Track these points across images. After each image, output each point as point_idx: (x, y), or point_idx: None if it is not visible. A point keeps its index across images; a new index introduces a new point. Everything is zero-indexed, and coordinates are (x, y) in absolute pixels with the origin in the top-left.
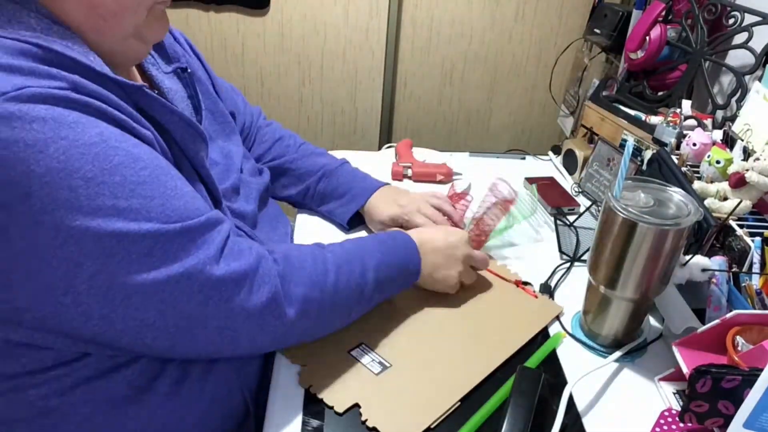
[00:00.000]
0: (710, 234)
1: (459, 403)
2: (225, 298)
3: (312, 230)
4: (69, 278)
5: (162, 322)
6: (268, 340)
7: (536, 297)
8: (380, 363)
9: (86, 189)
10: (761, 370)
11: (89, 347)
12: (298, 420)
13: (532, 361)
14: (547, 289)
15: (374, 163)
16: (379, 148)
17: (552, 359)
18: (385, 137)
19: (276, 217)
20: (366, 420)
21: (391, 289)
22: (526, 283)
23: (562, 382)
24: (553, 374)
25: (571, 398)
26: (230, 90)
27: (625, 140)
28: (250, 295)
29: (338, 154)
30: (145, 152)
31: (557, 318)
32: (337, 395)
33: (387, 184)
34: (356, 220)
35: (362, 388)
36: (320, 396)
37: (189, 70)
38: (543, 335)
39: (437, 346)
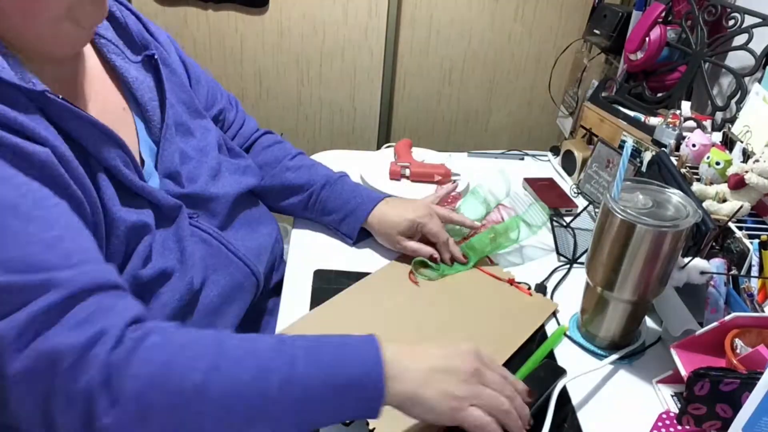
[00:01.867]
0: (709, 238)
1: None
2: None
3: (308, 244)
4: None
5: None
6: None
7: (530, 294)
8: None
9: None
10: (760, 373)
11: None
12: None
13: (537, 356)
14: (542, 290)
15: (373, 162)
16: (378, 148)
17: (550, 360)
18: (384, 137)
19: (258, 218)
20: (374, 429)
21: (327, 411)
22: (519, 282)
23: None
24: (552, 374)
25: (569, 400)
26: (212, 85)
27: (624, 141)
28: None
29: (336, 153)
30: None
31: (554, 315)
32: None
33: (389, 195)
34: (362, 234)
35: None
36: None
37: (156, 58)
38: (540, 334)
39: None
